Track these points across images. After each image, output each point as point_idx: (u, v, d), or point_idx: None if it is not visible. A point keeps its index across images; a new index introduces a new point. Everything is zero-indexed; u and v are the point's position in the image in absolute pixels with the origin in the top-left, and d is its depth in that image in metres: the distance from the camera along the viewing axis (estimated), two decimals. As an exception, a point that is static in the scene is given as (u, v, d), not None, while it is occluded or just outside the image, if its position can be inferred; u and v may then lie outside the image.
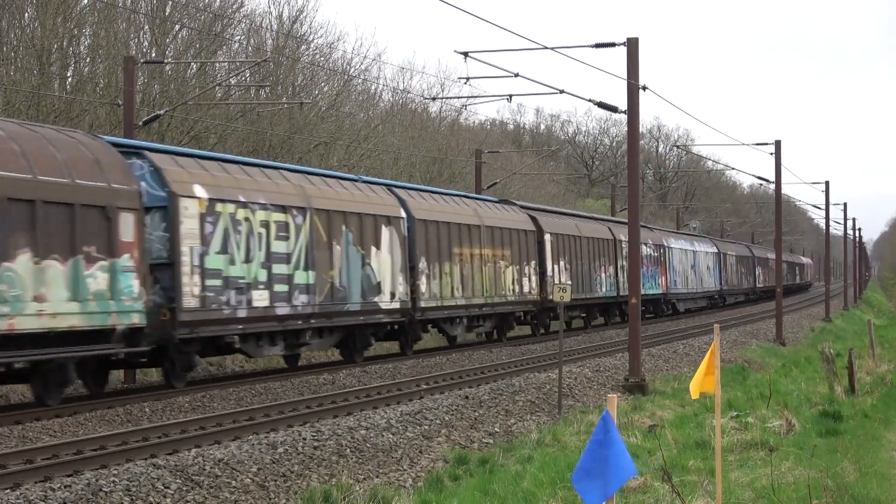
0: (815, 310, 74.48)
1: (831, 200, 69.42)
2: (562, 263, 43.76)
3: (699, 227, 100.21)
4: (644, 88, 26.44)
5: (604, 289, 48.95)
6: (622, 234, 51.12)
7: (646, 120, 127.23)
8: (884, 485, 13.64)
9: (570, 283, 41.06)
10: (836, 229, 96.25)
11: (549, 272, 42.17)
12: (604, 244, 49.54)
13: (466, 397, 22.23)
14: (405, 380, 26.09)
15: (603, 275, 48.84)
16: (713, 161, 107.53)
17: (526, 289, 40.26)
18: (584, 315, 48.42)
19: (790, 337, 46.54)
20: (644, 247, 52.99)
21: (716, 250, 73.24)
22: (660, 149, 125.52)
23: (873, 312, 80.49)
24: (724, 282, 75.28)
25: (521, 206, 42.97)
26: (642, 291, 52.04)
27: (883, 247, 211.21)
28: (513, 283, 39.12)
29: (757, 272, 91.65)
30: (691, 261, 65.68)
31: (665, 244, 59.72)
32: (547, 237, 42.61)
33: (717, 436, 11.56)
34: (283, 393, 24.05)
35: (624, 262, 49.78)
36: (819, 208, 71.63)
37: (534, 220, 42.22)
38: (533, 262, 40.94)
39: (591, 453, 7.16)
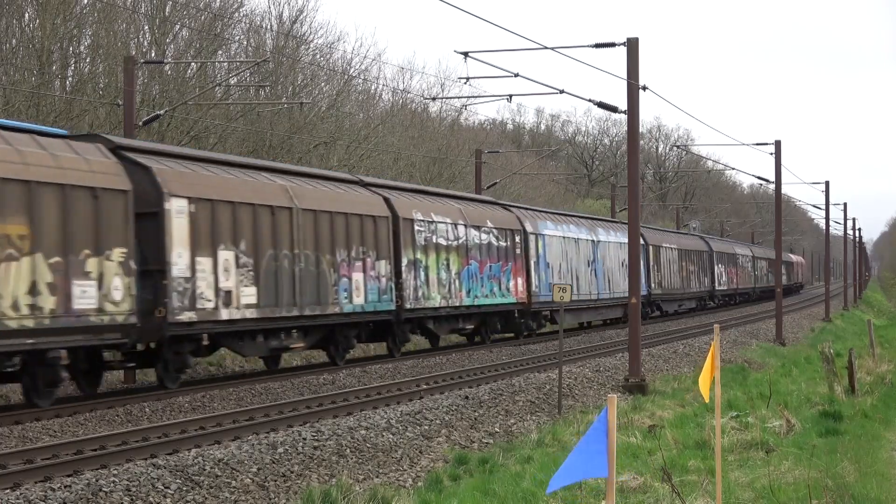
0: (815, 310, 74.47)
1: (831, 200, 69.47)
2: (224, 255, 24.78)
3: (699, 227, 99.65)
4: (644, 88, 26.44)
5: (363, 299, 30.01)
6: (420, 211, 33.72)
7: (646, 120, 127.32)
8: (884, 485, 13.63)
9: (250, 287, 25.59)
10: (836, 229, 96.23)
11: (173, 270, 23.34)
12: (364, 226, 30.28)
13: (466, 397, 22.23)
14: (405, 380, 26.09)
15: (360, 276, 29.81)
16: (713, 161, 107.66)
17: (88, 302, 21.32)
18: (304, 344, 28.75)
19: (790, 337, 46.55)
20: (476, 232, 36.88)
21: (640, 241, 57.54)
22: (660, 149, 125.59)
23: (873, 312, 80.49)
24: (657, 284, 57.68)
25: (118, 148, 23.50)
26: (477, 301, 36.27)
27: (883, 247, 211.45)
28: (34, 293, 20.24)
29: (717, 271, 72.51)
30: (588, 255, 47.66)
31: (531, 230, 41.52)
32: (177, 204, 23.63)
33: (717, 436, 11.56)
34: (283, 393, 24.05)
35: (417, 255, 33.00)
36: (819, 208, 71.69)
37: (142, 170, 23.40)
38: (120, 251, 21.99)
39: (576, 451, 7.19)
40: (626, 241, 49.19)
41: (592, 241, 48.74)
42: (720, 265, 73.71)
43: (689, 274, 64.97)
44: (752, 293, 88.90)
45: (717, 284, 72.65)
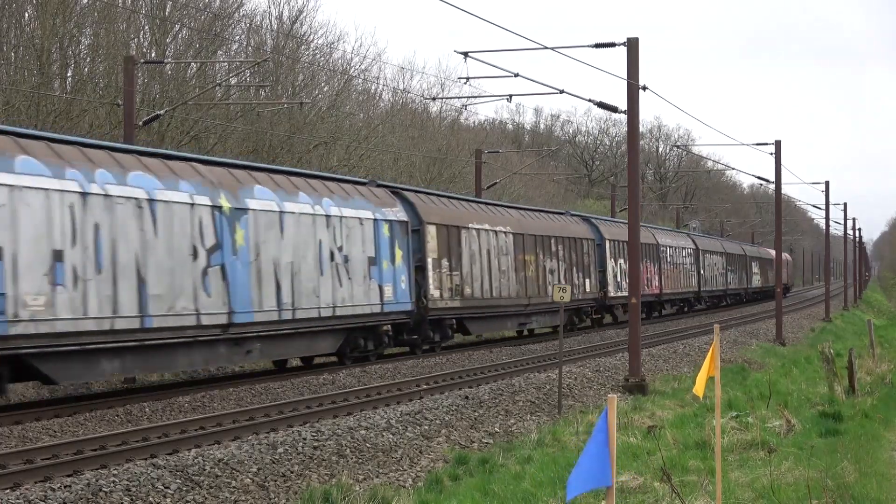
0: (815, 310, 74.49)
1: (831, 200, 69.49)
2: None
3: (699, 227, 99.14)
4: (644, 88, 26.44)
5: None
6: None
7: (646, 120, 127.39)
8: (884, 485, 13.64)
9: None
10: (836, 229, 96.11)
11: None
12: None
13: (466, 397, 22.24)
14: (405, 380, 26.08)
15: None
16: (713, 161, 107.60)
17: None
18: None
19: (790, 337, 46.54)
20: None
21: (387, 217, 30.80)
22: (660, 149, 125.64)
23: (873, 312, 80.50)
24: (451, 291, 33.98)
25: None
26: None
27: (883, 247, 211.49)
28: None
29: (611, 270, 48.72)
30: (201, 237, 23.95)
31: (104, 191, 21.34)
32: None
33: (717, 436, 11.57)
34: (283, 393, 24.05)
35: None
36: (819, 208, 71.68)
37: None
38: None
39: (586, 456, 7.18)
40: (341, 213, 28.62)
41: (217, 208, 24.47)
42: (618, 260, 49.35)
43: (546, 274, 41.47)
44: (696, 300, 66.27)
45: (612, 289, 48.72)
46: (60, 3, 35.59)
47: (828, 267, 78.89)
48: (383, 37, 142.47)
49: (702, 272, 66.28)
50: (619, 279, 49.23)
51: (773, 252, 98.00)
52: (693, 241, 66.29)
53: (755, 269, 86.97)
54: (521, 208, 43.49)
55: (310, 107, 45.71)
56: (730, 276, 76.06)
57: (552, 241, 42.48)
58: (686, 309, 64.66)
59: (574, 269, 44.43)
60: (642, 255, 48.62)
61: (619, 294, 48.86)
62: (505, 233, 38.29)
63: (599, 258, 47.70)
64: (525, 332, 42.90)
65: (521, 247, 39.53)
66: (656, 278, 55.26)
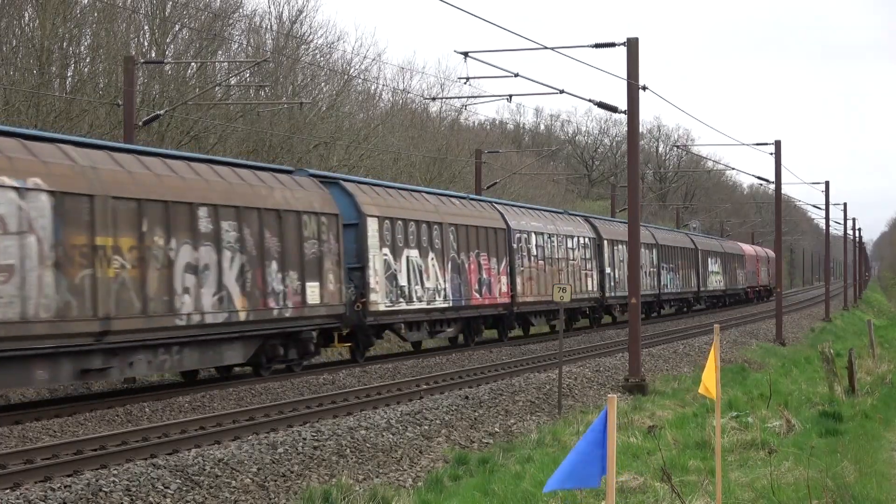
0: (815, 310, 74.48)
1: (831, 200, 69.45)
2: None
3: (699, 227, 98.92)
4: (644, 88, 26.43)
5: None
6: None
7: (646, 120, 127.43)
8: (884, 485, 13.64)
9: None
10: (836, 229, 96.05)
11: None
12: None
13: (466, 397, 22.23)
14: (405, 380, 26.09)
15: None
16: (713, 161, 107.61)
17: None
18: None
19: (790, 337, 46.54)
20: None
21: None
22: (660, 149, 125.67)
23: (873, 312, 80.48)
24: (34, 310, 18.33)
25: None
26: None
27: (883, 247, 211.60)
28: None
29: (378, 268, 30.29)
30: None
31: None
32: None
33: (717, 436, 11.57)
34: (283, 393, 24.05)
35: None
36: (819, 208, 71.66)
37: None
38: None
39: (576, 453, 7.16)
40: None
41: None
42: (401, 253, 31.68)
43: (177, 272, 22.61)
44: (597, 308, 48.46)
45: (383, 298, 30.65)
46: (60, 3, 35.57)
47: (828, 267, 78.84)
48: (383, 37, 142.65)
49: (606, 270, 48.00)
50: (402, 284, 31.70)
51: (743, 246, 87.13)
52: (594, 227, 48.23)
53: (714, 268, 69.49)
54: (98, 146, 22.39)
55: (310, 107, 45.68)
56: (666, 276, 57.65)
57: (205, 211, 23.60)
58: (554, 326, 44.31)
59: (275, 263, 25.79)
60: (473, 244, 36.12)
61: (403, 307, 31.80)
62: (19, 190, 19.10)
63: (356, 247, 30.05)
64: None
65: (76, 220, 20.30)
66: (504, 279, 38.09)
